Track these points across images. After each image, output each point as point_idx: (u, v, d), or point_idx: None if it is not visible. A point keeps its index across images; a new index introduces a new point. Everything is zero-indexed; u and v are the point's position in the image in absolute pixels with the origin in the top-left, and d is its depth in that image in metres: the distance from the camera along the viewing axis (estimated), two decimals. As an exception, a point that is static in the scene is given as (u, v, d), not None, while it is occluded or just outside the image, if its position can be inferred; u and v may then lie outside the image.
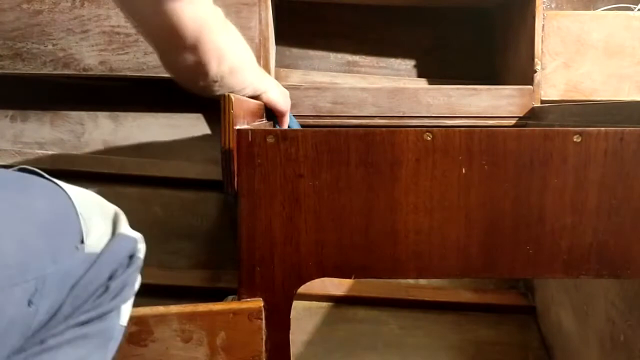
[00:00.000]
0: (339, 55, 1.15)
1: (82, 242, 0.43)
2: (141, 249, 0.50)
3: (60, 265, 0.40)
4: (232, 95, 0.53)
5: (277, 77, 1.06)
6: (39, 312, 0.38)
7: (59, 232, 0.41)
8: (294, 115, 0.91)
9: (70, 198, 0.43)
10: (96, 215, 0.46)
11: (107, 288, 0.44)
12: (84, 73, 0.86)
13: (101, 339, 0.44)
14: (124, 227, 0.48)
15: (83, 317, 0.42)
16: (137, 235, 0.50)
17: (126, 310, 0.48)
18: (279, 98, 0.75)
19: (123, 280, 0.46)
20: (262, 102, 0.73)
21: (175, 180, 0.99)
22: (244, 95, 0.66)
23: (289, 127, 0.81)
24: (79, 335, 0.42)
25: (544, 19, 0.96)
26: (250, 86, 0.68)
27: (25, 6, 0.83)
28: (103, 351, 0.45)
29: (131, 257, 0.48)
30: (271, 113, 0.77)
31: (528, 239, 0.54)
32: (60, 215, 0.42)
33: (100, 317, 0.43)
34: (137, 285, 0.50)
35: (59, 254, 0.40)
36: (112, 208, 0.50)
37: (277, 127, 0.79)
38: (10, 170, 0.43)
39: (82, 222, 0.43)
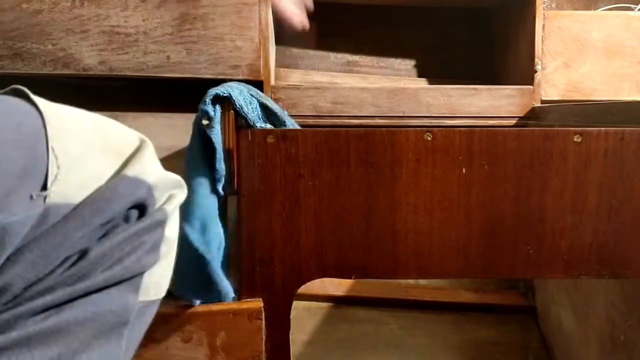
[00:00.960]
0: (339, 55, 1.15)
1: (45, 188, 0.30)
2: (162, 197, 0.37)
3: None
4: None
5: (277, 77, 1.06)
6: None
7: None
8: (293, 116, 0.91)
9: (44, 126, 0.31)
10: (88, 150, 0.33)
11: (83, 254, 0.31)
12: (84, 73, 0.86)
13: (98, 326, 0.32)
14: (138, 166, 0.35)
15: (45, 300, 0.30)
16: (159, 179, 0.36)
17: (152, 280, 0.36)
18: None
19: (124, 241, 0.33)
20: None
21: (175, 180, 0.99)
22: None
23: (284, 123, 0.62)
24: (40, 331, 0.29)
25: (544, 18, 0.96)
26: None
27: (24, 6, 0.83)
28: (109, 341, 0.33)
29: (141, 208, 0.35)
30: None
31: (528, 239, 0.54)
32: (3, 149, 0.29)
33: (83, 296, 0.31)
34: (164, 249, 0.37)
35: None
36: (127, 141, 0.37)
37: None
38: None
39: (51, 159, 0.30)
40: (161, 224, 0.36)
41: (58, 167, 0.31)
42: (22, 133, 0.30)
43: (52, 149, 0.31)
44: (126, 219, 0.34)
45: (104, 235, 0.33)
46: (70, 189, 0.31)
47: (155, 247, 0.36)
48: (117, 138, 0.36)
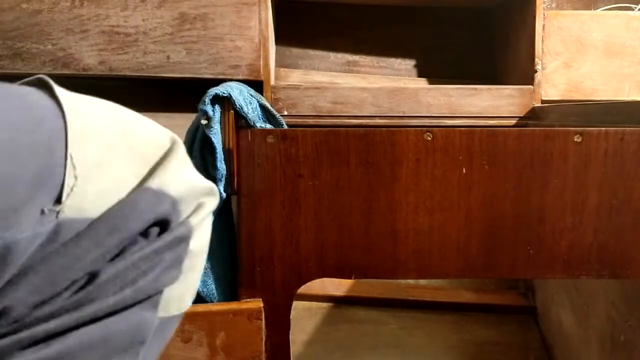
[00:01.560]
0: (339, 55, 1.15)
1: (59, 201, 0.26)
2: (189, 208, 0.33)
3: None
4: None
5: (277, 77, 1.06)
6: None
7: (2, 184, 0.24)
8: (293, 116, 0.91)
9: (64, 128, 0.27)
10: (110, 156, 0.29)
11: (93, 276, 0.28)
12: (84, 73, 0.86)
13: (108, 349, 0.29)
14: (163, 176, 0.31)
15: (48, 327, 0.26)
16: (186, 190, 0.32)
17: (172, 295, 0.32)
18: None
19: (140, 261, 0.29)
20: None
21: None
22: None
23: None
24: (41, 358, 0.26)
25: (544, 18, 0.96)
26: None
27: (24, 6, 0.83)
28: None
29: (163, 224, 0.31)
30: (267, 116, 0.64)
31: (528, 239, 0.54)
32: (11, 157, 0.25)
33: (90, 321, 0.28)
34: (188, 263, 0.33)
35: None
36: (156, 144, 0.33)
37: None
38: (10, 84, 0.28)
39: (68, 169, 0.27)
40: (184, 239, 0.33)
41: (75, 178, 0.27)
42: (40, 134, 0.26)
43: (71, 156, 0.27)
44: (145, 235, 0.30)
45: (119, 254, 0.29)
46: (87, 200, 0.28)
47: (177, 263, 0.32)
48: (144, 140, 0.32)
